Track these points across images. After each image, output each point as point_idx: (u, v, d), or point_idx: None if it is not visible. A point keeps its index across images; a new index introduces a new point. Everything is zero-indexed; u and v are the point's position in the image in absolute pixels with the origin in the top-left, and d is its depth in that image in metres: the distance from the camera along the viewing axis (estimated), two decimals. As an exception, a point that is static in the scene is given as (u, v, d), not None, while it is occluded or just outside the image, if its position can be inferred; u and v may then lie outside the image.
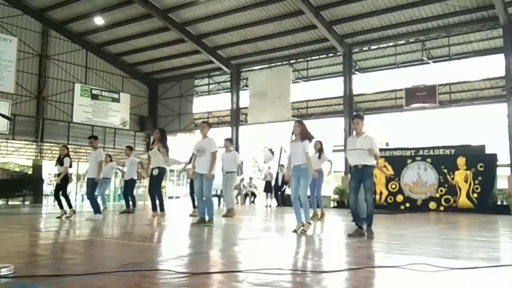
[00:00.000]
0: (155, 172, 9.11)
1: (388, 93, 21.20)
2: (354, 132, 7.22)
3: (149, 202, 10.54)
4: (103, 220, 9.92)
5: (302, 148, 7.44)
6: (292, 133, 7.62)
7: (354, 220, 7.22)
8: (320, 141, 10.74)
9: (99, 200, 11.79)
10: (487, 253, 5.57)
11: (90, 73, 25.55)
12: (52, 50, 23.98)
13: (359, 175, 7.00)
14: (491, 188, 15.87)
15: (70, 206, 10.68)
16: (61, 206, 10.69)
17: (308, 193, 8.04)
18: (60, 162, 10.69)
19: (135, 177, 13.52)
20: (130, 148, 13.85)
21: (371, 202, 6.96)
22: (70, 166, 10.93)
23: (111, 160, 14.12)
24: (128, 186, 13.40)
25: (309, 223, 7.52)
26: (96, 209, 10.21)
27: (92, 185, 10.37)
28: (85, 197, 10.70)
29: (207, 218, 8.77)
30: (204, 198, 8.75)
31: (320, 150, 10.75)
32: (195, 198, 9.83)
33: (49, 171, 29.97)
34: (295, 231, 7.35)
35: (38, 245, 6.00)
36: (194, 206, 11.64)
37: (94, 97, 24.97)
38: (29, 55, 23.05)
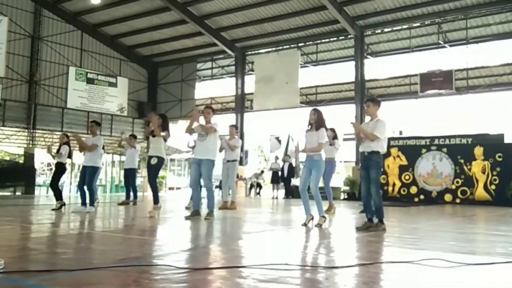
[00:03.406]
0: (154, 161, 9.00)
1: (402, 79, 21.11)
2: (368, 118, 7.21)
3: (148, 193, 10.47)
4: (97, 213, 9.93)
5: (316, 138, 7.43)
6: (309, 123, 7.58)
7: (364, 211, 7.15)
8: (333, 128, 10.68)
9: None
10: (505, 248, 5.55)
11: (86, 56, 25.52)
12: (45, 31, 23.95)
13: (365, 163, 6.98)
14: (510, 180, 15.82)
15: (59, 198, 10.49)
16: (57, 198, 10.62)
17: (322, 184, 7.97)
18: (57, 150, 10.66)
19: (136, 166, 13.58)
20: (134, 137, 13.83)
21: (376, 194, 6.86)
22: (69, 157, 10.84)
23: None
24: (130, 176, 13.44)
25: (324, 217, 7.43)
26: (92, 200, 10.21)
27: (92, 174, 10.12)
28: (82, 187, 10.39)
29: (206, 211, 8.60)
30: (204, 189, 8.68)
31: (333, 138, 10.67)
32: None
33: (42, 159, 29.88)
34: (305, 224, 7.30)
35: (30, 239, 6.01)
36: (191, 198, 11.52)
37: (90, 81, 24.97)
38: (21, 36, 23.04)
